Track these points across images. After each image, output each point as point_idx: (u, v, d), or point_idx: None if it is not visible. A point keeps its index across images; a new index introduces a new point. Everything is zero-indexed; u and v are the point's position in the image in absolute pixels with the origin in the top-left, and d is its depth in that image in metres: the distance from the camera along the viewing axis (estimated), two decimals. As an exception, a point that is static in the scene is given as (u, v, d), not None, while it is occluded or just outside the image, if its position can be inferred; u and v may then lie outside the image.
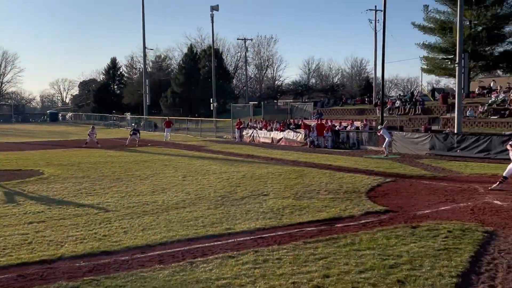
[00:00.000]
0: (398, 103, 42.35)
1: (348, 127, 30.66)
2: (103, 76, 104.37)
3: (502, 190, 12.75)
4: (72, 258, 7.53)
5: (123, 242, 8.36)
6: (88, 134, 31.86)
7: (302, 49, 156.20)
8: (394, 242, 8.03)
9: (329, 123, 30.56)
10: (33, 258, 7.49)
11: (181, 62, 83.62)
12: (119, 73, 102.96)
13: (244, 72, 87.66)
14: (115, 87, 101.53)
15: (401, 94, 60.28)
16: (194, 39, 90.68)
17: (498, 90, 36.74)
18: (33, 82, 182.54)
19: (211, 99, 52.40)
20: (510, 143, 13.17)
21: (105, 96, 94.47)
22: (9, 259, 7.44)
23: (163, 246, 8.10)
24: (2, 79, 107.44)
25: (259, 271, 6.74)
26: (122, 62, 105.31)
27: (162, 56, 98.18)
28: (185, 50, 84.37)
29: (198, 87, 75.22)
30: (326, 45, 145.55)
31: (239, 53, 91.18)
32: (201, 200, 12.15)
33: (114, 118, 66.35)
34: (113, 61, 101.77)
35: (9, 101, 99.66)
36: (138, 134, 32.36)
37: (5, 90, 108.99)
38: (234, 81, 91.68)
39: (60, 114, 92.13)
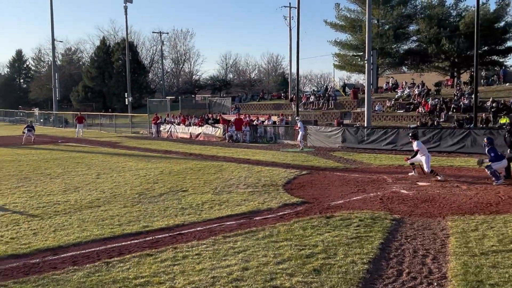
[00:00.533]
0: (312, 98, 43.74)
1: (266, 121, 31.18)
2: (8, 70, 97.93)
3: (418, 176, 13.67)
4: (-25, 264, 7.03)
5: (33, 244, 7.93)
6: None
7: (219, 44, 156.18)
8: (310, 232, 8.31)
9: (247, 118, 30.89)
10: None
11: (93, 55, 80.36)
12: (25, 66, 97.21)
13: (161, 66, 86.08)
14: (21, 81, 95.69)
15: (315, 89, 62.31)
16: (107, 31, 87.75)
17: (403, 86, 39.15)
18: None
19: (126, 93, 50.91)
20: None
21: (10, 90, 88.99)
22: None
23: (77, 247, 7.79)
24: None
25: (179, 267, 6.69)
26: (28, 54, 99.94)
27: (73, 48, 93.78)
28: (98, 43, 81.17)
29: (112, 81, 72.80)
30: (243, 41, 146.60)
31: (154, 47, 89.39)
32: (116, 198, 11.80)
33: (21, 114, 62.35)
34: (19, 54, 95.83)
35: None
36: (33, 131, 30.89)
37: None
38: (150, 75, 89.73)
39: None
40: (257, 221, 9.30)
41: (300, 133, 23.91)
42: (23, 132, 30.77)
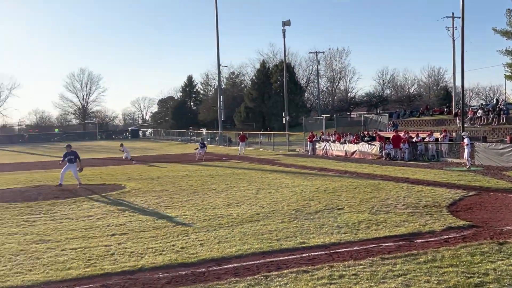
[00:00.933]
0: (480, 112, 40.21)
1: (427, 138, 29.49)
2: (180, 94, 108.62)
3: None
4: (152, 269, 7.80)
5: (200, 254, 8.54)
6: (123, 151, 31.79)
7: (376, 60, 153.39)
8: (479, 259, 7.57)
9: (406, 135, 29.57)
10: (116, 269, 7.84)
11: (253, 77, 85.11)
12: (195, 90, 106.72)
13: (316, 85, 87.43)
14: (191, 103, 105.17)
15: (483, 103, 57.21)
16: (266, 54, 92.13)
17: None
18: (116, 101, 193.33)
19: (283, 113, 52.63)
20: None
21: (182, 112, 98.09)
22: (93, 269, 7.84)
23: (238, 259, 8.18)
24: (88, 98, 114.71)
25: (335, 286, 6.60)
26: (197, 79, 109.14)
27: (236, 72, 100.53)
28: (258, 66, 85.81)
29: (271, 102, 76.05)
30: (401, 55, 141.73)
31: (310, 67, 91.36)
32: (274, 213, 12.16)
33: (191, 134, 68.41)
34: (189, 79, 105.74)
35: (94, 120, 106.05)
36: (205, 148, 33.14)
37: (90, 109, 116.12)
38: (306, 94, 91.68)
39: (140, 131, 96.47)
40: (418, 244, 8.77)
41: (467, 150, 22.09)
42: (196, 149, 33.59)
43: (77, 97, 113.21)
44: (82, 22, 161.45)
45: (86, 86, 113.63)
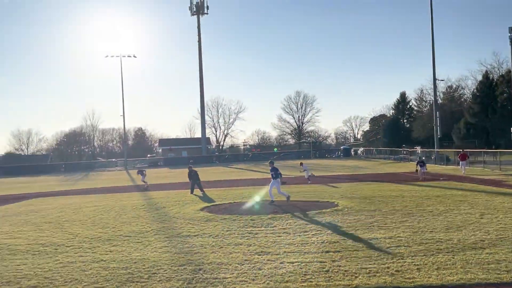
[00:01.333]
0: None
1: None
2: (393, 111, 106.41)
3: None
4: (365, 290, 7.70)
5: (416, 279, 8.12)
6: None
7: None
8: None
9: None
10: (330, 286, 7.99)
11: (475, 90, 78.49)
12: (408, 107, 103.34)
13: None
14: (404, 121, 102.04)
15: None
16: (489, 64, 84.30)
17: None
18: (329, 121, 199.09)
19: (512, 128, 47.00)
20: None
21: (395, 130, 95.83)
22: (309, 284, 8.14)
23: (460, 289, 7.52)
24: (303, 119, 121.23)
25: None
26: (411, 95, 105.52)
27: (454, 86, 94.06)
28: (480, 78, 78.92)
29: (496, 116, 68.88)
30: None
31: (547, 74, 79.71)
32: (503, 241, 10.85)
33: (404, 152, 66.10)
34: (402, 96, 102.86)
35: (308, 139, 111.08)
36: (424, 167, 31.51)
37: (305, 129, 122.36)
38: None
39: (352, 150, 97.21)
40: None
41: None
42: (416, 170, 32.34)
43: (293, 118, 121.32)
44: (298, 47, 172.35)
45: (302, 108, 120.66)
